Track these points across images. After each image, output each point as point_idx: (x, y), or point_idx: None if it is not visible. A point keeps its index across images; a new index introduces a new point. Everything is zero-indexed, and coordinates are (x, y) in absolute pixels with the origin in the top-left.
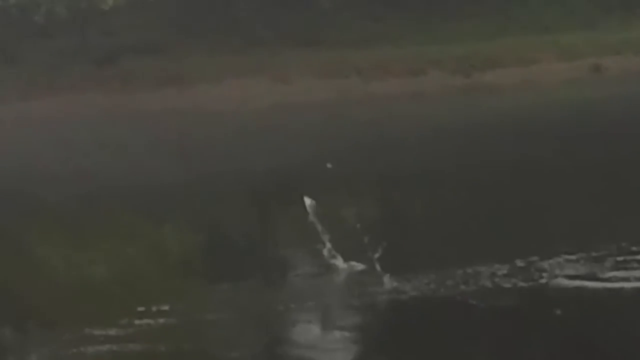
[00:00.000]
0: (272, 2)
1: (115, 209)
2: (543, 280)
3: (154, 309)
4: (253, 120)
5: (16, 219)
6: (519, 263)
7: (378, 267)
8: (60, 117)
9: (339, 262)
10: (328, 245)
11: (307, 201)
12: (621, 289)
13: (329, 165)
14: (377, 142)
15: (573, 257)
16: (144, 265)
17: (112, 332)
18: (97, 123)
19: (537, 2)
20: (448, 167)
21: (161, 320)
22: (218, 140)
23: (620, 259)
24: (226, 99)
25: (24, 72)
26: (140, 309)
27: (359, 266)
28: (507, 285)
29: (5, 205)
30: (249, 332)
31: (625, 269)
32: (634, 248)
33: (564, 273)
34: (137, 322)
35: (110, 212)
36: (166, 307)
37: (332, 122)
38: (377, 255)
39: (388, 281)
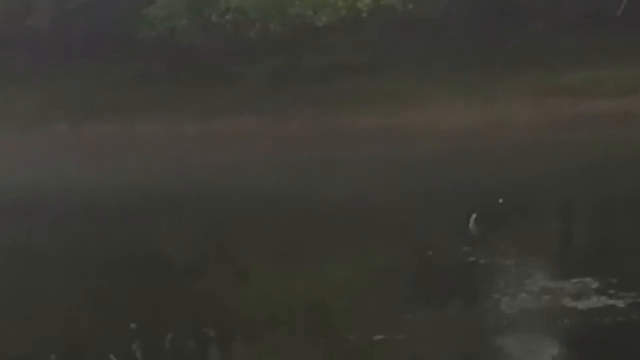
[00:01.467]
0: (484, 25)
1: (327, 228)
2: None
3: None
4: (462, 139)
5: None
6: None
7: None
8: (270, 134)
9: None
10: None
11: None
12: None
13: (500, 201)
14: (588, 164)
15: None
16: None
17: None
18: (309, 140)
19: None
20: None
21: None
22: (427, 158)
23: None
24: (437, 119)
25: (238, 88)
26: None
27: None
28: None
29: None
30: None
31: None
32: None
33: None
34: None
35: (321, 231)
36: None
37: (541, 143)
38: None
39: None
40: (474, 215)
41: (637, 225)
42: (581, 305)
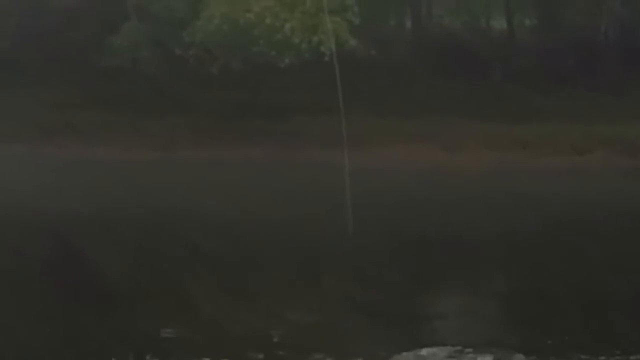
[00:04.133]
0: (443, 71)
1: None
2: None
3: None
4: (415, 181)
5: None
6: None
7: None
8: (226, 163)
9: None
10: None
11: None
12: None
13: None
14: (534, 217)
15: None
16: None
17: None
18: (262, 171)
19: None
20: (609, 248)
21: None
22: (382, 197)
23: None
24: (392, 160)
25: (196, 120)
26: None
27: None
28: None
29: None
30: None
31: None
32: None
33: None
34: None
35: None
36: None
37: (492, 193)
38: None
39: None
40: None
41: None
42: None
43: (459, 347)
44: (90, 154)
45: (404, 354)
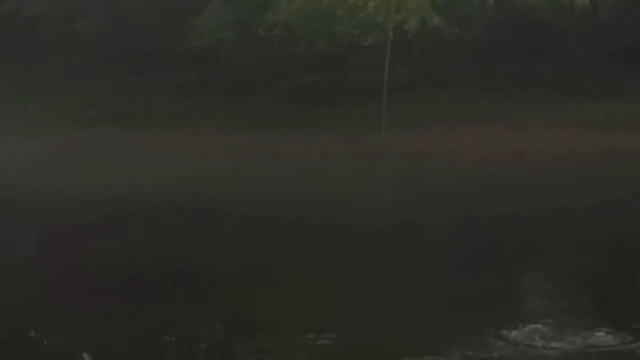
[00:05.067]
0: (525, 48)
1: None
2: None
3: None
4: (490, 164)
5: None
6: None
7: None
8: (291, 149)
9: None
10: None
11: None
12: None
13: None
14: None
15: None
16: None
17: None
18: (342, 160)
19: None
20: None
21: None
22: (453, 182)
23: None
24: (465, 142)
25: (277, 102)
26: None
27: None
28: None
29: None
30: None
31: None
32: None
33: None
34: None
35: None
36: None
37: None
38: None
39: None
40: None
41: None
42: None
43: (565, 321)
44: (174, 138)
45: (509, 330)
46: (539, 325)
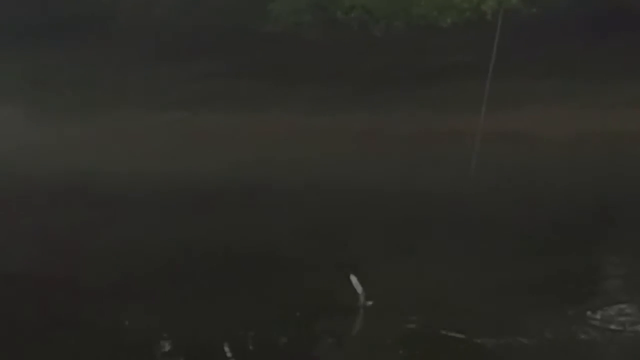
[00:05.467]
0: (604, 30)
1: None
2: None
3: None
4: (560, 147)
5: None
6: None
7: None
8: (369, 132)
9: None
10: None
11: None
12: None
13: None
14: None
15: None
16: None
17: None
18: (412, 140)
19: None
20: None
21: None
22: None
23: None
24: (552, 123)
25: (356, 85)
26: None
27: None
28: None
29: None
30: None
31: None
32: None
33: None
34: None
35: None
36: None
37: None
38: None
39: None
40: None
41: None
42: None
43: None
44: (255, 121)
45: (593, 311)
46: (624, 306)
